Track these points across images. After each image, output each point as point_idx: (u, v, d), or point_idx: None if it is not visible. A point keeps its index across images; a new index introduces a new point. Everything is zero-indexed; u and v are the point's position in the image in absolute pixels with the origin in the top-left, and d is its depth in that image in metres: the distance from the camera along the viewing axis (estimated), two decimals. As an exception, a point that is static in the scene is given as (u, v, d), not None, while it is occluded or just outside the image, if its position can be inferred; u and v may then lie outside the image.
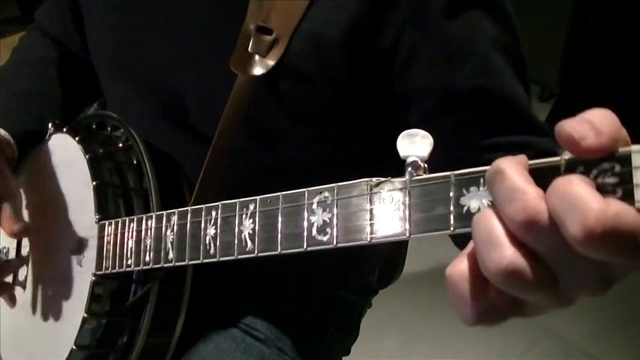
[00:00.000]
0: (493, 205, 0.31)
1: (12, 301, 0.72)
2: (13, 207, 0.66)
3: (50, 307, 0.71)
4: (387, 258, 0.91)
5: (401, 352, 1.59)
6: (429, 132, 0.38)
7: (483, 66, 0.55)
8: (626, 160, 0.27)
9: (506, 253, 0.29)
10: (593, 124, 0.28)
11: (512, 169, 0.29)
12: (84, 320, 0.63)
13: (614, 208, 0.26)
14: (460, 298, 0.32)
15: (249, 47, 0.57)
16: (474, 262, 0.32)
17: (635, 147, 0.27)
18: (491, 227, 0.30)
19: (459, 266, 0.33)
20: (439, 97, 0.56)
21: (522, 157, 0.30)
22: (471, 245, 0.32)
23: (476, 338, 1.60)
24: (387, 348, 1.59)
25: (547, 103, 2.26)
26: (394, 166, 0.40)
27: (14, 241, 0.76)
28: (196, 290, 0.68)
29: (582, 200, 0.26)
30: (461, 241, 0.58)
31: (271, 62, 0.56)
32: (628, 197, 0.27)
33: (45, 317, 0.71)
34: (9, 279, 0.75)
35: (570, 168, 0.29)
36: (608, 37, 1.89)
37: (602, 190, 0.27)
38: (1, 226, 0.67)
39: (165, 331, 0.68)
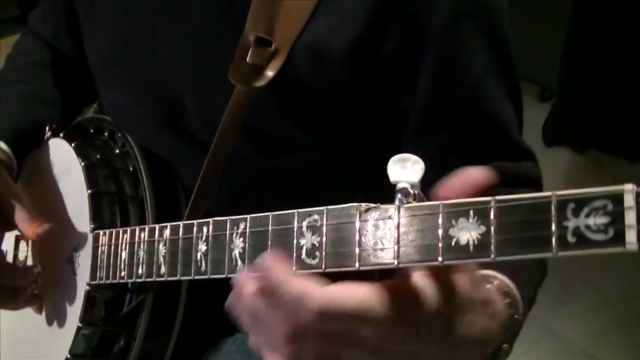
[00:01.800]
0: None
1: (39, 308, 0.72)
2: (27, 209, 0.66)
3: (47, 314, 0.71)
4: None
5: (400, 351, 1.59)
6: (414, 149, 0.37)
7: (475, 88, 0.55)
8: (619, 199, 0.26)
9: None
10: None
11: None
12: (78, 329, 0.63)
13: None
14: None
15: (248, 58, 0.56)
16: None
17: (627, 186, 0.26)
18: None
19: None
20: (428, 115, 0.56)
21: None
22: None
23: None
24: (387, 348, 1.59)
25: (547, 103, 2.25)
26: None
27: (12, 245, 0.76)
28: (194, 293, 0.68)
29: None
30: None
31: (270, 73, 0.56)
32: (618, 239, 0.26)
33: (41, 324, 0.71)
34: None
35: (562, 205, 0.28)
36: (608, 37, 1.87)
37: (593, 230, 0.27)
38: (20, 229, 0.67)
39: (161, 339, 0.68)
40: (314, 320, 0.34)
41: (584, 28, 1.91)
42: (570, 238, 0.28)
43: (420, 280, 0.34)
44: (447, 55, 0.54)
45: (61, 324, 0.68)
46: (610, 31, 1.85)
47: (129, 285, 0.65)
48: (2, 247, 0.77)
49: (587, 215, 0.27)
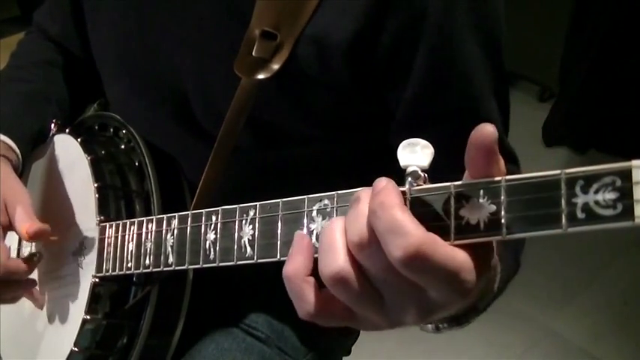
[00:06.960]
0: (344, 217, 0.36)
1: (37, 301, 0.72)
2: (26, 210, 0.66)
3: (51, 308, 0.71)
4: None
5: (401, 352, 1.59)
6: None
7: (466, 84, 0.56)
8: (627, 175, 0.27)
9: (339, 261, 0.35)
10: None
11: (365, 198, 0.35)
12: (84, 322, 0.63)
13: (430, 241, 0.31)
14: (296, 295, 0.37)
15: (254, 52, 0.57)
16: (309, 262, 0.37)
17: (635, 162, 0.27)
18: (332, 235, 0.35)
19: (293, 265, 0.37)
20: (418, 109, 0.57)
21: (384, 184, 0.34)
22: (300, 244, 0.38)
23: (476, 338, 1.60)
24: (387, 348, 1.59)
25: (547, 103, 2.26)
26: (399, 168, 0.40)
27: (15, 241, 0.76)
28: (197, 290, 0.68)
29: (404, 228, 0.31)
30: None
31: (275, 66, 0.57)
32: (627, 213, 0.27)
33: (45, 318, 0.71)
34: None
35: (571, 182, 0.29)
36: (608, 37, 1.88)
37: (602, 205, 0.27)
38: (15, 229, 0.66)
39: (165, 333, 0.68)
40: (402, 258, 0.32)
41: (584, 28, 1.92)
42: (580, 214, 0.28)
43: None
44: (441, 49, 0.55)
45: (66, 318, 0.68)
46: (610, 31, 1.87)
47: (134, 278, 0.65)
48: (7, 243, 0.77)
49: (596, 191, 0.28)
